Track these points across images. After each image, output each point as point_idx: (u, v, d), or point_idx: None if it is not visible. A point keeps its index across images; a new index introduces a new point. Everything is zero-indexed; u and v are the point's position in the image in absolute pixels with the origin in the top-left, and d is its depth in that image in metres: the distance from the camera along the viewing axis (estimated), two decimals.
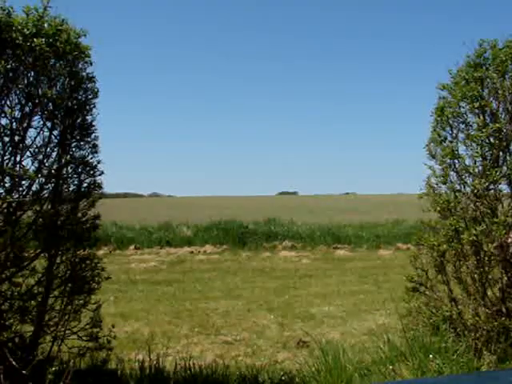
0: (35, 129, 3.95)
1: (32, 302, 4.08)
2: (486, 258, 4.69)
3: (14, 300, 3.98)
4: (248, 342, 6.24)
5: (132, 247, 17.44)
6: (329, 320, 7.36)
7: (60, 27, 3.86)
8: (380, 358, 4.75)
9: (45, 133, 4.01)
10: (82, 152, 4.28)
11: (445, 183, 4.89)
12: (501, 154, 4.72)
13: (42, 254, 4.13)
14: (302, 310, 8.05)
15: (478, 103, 4.69)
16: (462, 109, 4.84)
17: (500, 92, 4.66)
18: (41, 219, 4.04)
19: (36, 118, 3.94)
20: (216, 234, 18.38)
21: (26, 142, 3.88)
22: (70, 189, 4.25)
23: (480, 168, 4.73)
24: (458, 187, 4.86)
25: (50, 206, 4.10)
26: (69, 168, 4.21)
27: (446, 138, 4.96)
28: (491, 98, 4.73)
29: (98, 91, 4.35)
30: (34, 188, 3.93)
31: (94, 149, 4.34)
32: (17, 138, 3.81)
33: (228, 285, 10.68)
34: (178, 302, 8.78)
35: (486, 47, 4.79)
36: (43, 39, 3.71)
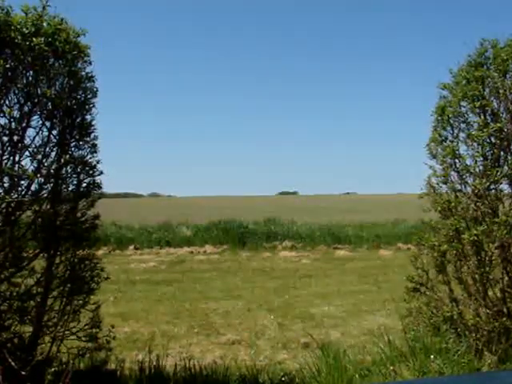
0: (34, 128, 3.93)
1: (31, 302, 4.06)
2: (487, 258, 4.68)
3: (13, 300, 3.96)
4: (248, 342, 6.23)
5: (131, 247, 17.43)
6: (329, 320, 7.34)
7: (59, 26, 3.84)
8: (380, 358, 4.74)
9: (44, 132, 3.98)
10: (81, 152, 4.27)
11: (445, 183, 4.88)
12: (502, 153, 4.71)
13: (41, 254, 4.12)
14: (302, 310, 8.03)
15: (478, 103, 4.68)
16: (462, 108, 4.83)
17: (501, 91, 4.65)
18: (40, 219, 4.03)
19: (35, 117, 3.91)
20: (216, 234, 18.37)
21: (25, 141, 3.86)
22: (69, 189, 4.23)
23: (481, 168, 4.72)
24: (459, 187, 4.85)
25: (49, 206, 4.09)
26: (68, 168, 4.19)
27: (446, 138, 4.94)
28: (492, 98, 4.71)
29: (97, 91, 4.34)
30: (32, 188, 3.91)
31: (94, 148, 4.33)
32: (16, 137, 3.79)
33: (228, 285, 10.66)
34: (177, 302, 8.76)
35: (487, 46, 4.77)
36: (42, 38, 3.69)
